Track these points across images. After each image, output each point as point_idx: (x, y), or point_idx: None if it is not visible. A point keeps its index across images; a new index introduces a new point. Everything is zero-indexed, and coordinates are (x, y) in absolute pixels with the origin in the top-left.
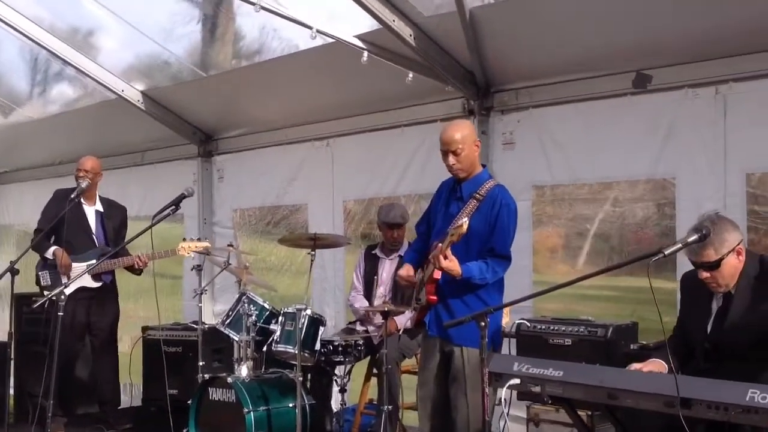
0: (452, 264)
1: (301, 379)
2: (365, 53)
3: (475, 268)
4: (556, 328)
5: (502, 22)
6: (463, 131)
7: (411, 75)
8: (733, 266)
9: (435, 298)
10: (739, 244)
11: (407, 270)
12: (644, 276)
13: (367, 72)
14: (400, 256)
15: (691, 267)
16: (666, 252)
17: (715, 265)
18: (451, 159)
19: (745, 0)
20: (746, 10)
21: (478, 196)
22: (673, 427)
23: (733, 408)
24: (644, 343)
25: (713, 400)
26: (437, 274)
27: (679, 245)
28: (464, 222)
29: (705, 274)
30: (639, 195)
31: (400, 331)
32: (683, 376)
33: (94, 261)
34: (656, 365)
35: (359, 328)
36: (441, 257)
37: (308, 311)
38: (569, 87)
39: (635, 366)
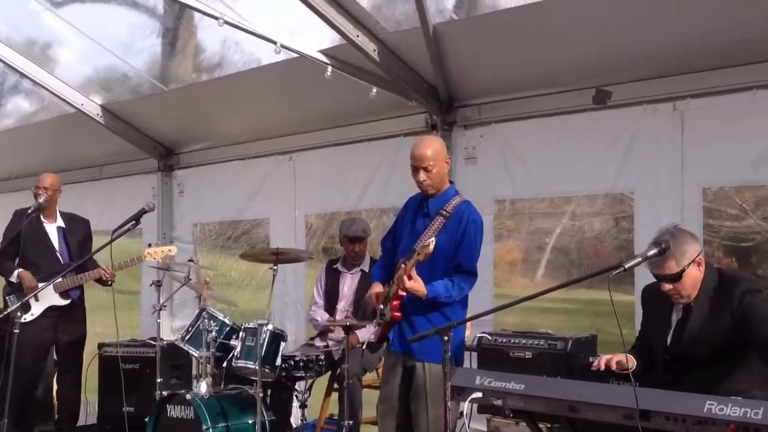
0: (417, 285)
1: (261, 395)
2: (329, 68)
3: (441, 288)
4: (516, 341)
5: (466, 39)
6: (434, 147)
7: (375, 90)
8: (694, 277)
9: (399, 314)
10: (699, 255)
11: (377, 289)
12: (603, 289)
13: (331, 87)
14: (362, 271)
15: (650, 280)
16: (626, 266)
17: (677, 277)
18: (422, 175)
19: (700, 19)
20: (702, 28)
21: (444, 212)
22: None
23: (691, 419)
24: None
25: (671, 411)
26: (403, 291)
27: (639, 259)
28: (431, 241)
29: (668, 287)
30: (597, 209)
31: (363, 346)
32: (642, 388)
33: (60, 280)
34: (624, 356)
35: (319, 343)
36: (405, 278)
37: (270, 326)
38: (531, 102)
39: (605, 357)
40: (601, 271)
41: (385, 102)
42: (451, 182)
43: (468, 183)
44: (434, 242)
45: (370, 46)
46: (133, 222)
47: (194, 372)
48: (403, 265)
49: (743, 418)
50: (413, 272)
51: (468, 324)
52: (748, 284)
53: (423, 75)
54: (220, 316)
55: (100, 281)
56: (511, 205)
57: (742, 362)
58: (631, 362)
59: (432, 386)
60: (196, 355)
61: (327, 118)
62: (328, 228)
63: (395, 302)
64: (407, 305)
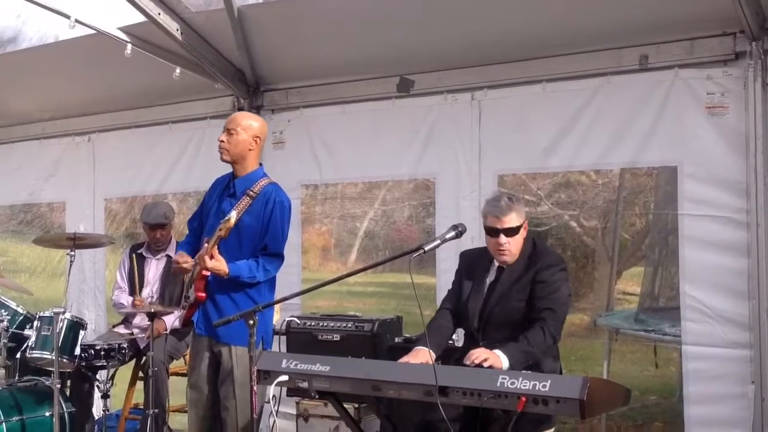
0: (219, 264)
1: (59, 386)
2: (129, 46)
3: (245, 267)
4: (324, 324)
5: (271, 22)
6: (249, 120)
7: (178, 70)
8: (522, 238)
9: (204, 295)
10: (526, 222)
11: (182, 255)
12: (407, 272)
13: (133, 66)
14: (167, 256)
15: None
16: (426, 248)
17: (515, 231)
18: (223, 136)
19: (496, 17)
20: (498, 24)
21: (251, 193)
22: (433, 414)
23: (486, 394)
24: (408, 335)
25: (467, 387)
26: (206, 271)
27: (438, 241)
28: (231, 216)
29: (503, 239)
30: (403, 195)
31: (168, 332)
32: (441, 365)
33: None
34: (422, 354)
35: (123, 331)
36: (207, 257)
37: (67, 315)
38: (337, 89)
39: (404, 359)
40: (401, 254)
41: (191, 83)
42: (260, 164)
43: (275, 168)
44: (234, 216)
45: (172, 25)
46: None
47: None
48: (206, 244)
49: (533, 390)
50: (215, 251)
51: (277, 308)
52: (555, 259)
53: (229, 57)
54: (13, 305)
55: None
56: (320, 189)
57: None
58: (430, 357)
59: (239, 370)
60: None
61: (129, 98)
62: (129, 212)
63: (199, 282)
64: (212, 285)
